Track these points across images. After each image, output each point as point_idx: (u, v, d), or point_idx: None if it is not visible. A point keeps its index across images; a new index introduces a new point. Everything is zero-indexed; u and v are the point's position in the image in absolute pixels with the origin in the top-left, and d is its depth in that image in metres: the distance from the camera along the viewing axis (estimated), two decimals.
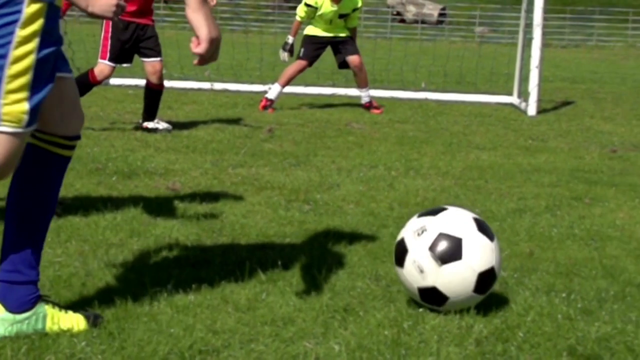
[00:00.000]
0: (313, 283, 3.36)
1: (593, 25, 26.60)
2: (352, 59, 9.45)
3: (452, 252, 3.00)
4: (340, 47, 9.47)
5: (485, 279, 3.02)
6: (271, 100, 9.48)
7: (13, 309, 2.74)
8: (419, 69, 13.86)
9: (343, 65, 9.58)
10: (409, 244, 3.08)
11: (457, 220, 3.09)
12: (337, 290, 3.27)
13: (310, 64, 9.57)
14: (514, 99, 10.58)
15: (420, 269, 3.01)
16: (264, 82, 10.97)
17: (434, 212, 3.17)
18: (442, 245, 3.01)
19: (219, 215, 4.53)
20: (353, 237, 4.19)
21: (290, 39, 9.50)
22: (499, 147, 7.24)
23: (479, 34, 24.28)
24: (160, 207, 4.62)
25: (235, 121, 8.35)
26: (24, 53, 2.50)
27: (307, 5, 9.23)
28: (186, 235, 4.10)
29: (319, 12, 9.24)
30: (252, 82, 11.38)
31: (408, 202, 5.04)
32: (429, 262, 3.01)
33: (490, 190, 5.46)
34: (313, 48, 9.44)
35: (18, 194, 2.74)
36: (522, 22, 10.79)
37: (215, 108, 9.33)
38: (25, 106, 2.52)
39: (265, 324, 2.90)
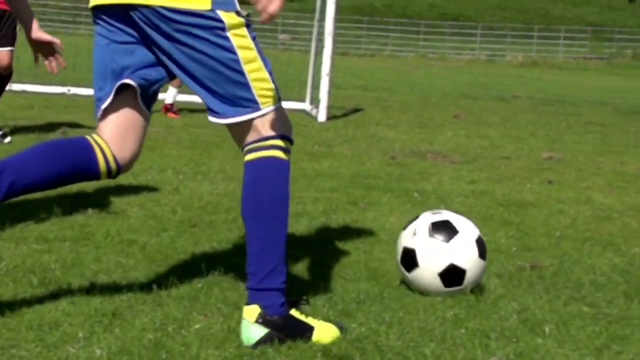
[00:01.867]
0: (86, 287, 3.41)
1: (388, 36, 27.60)
2: None
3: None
4: None
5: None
6: (171, 104, 9.62)
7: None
8: None
9: None
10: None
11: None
12: (108, 294, 3.33)
13: None
14: (306, 105, 10.89)
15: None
16: (62, 84, 10.78)
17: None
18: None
19: None
20: (132, 241, 4.25)
21: None
22: None
23: (281, 41, 24.70)
24: None
25: (30, 123, 8.20)
26: (244, 45, 2.86)
27: None
28: None
29: None
30: (50, 84, 11.14)
31: (191, 206, 5.14)
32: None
33: None
34: None
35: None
36: (315, 31, 11.12)
37: (11, 109, 9.12)
38: (271, 84, 2.91)
39: (31, 328, 2.93)
